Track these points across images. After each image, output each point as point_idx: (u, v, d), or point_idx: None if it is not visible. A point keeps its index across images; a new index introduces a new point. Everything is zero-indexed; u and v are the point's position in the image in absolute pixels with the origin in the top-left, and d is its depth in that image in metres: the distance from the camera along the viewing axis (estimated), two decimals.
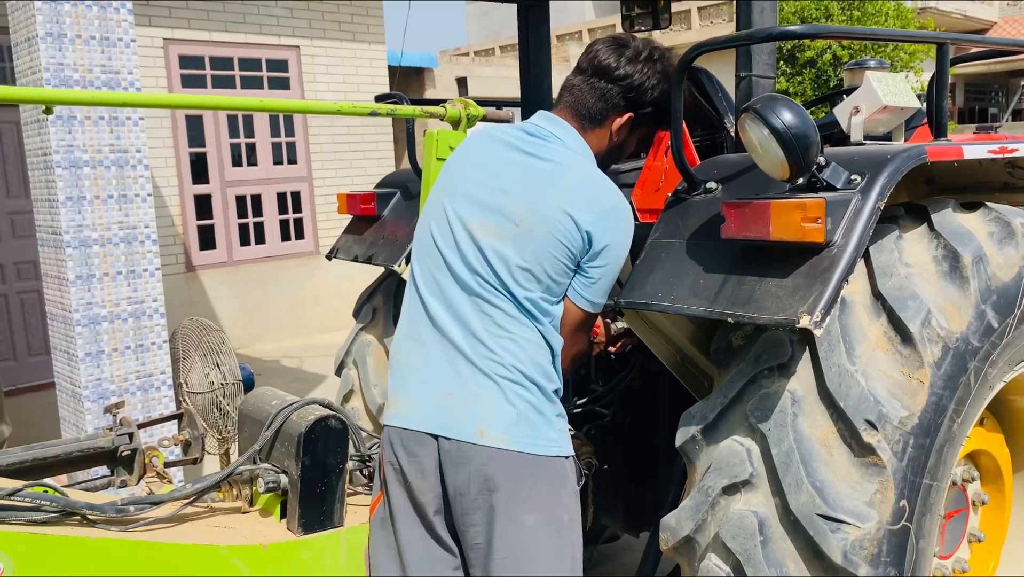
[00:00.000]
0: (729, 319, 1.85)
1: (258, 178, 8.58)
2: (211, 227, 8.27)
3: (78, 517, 1.88)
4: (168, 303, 4.67)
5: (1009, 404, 2.37)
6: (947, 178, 2.48)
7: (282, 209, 8.77)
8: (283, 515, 2.20)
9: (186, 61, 7.94)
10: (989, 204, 2.15)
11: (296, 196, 8.86)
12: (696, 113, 2.67)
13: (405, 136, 3.40)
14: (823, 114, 3.74)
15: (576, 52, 16.23)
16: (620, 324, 2.36)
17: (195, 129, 8.09)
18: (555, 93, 2.16)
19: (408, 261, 2.86)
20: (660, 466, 2.79)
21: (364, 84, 9.15)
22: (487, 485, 1.73)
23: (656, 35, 1.99)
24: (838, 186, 1.87)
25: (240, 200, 8.45)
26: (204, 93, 7.97)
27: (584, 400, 2.75)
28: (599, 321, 2.31)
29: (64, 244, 3.80)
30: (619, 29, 3.05)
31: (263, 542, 2.06)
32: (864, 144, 2.25)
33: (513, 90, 3.72)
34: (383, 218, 3.16)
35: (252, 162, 8.54)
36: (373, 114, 2.51)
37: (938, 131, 2.22)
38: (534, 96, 3.39)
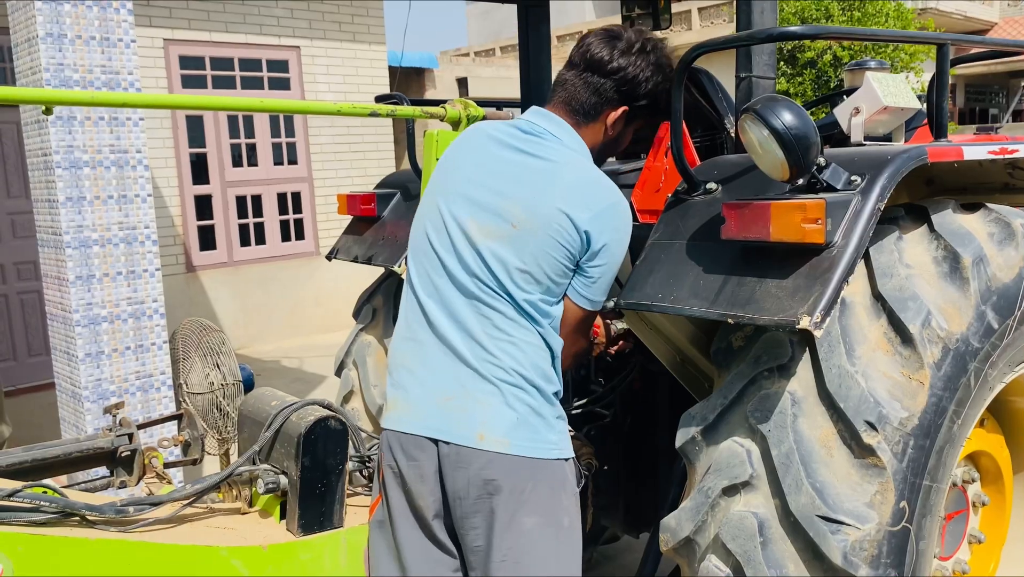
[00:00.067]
0: (729, 320, 1.85)
1: (258, 178, 8.58)
2: (211, 227, 8.27)
3: (77, 518, 1.88)
4: (168, 303, 4.67)
5: (1009, 405, 2.36)
6: (947, 179, 2.47)
7: (282, 209, 8.77)
8: (283, 516, 2.20)
9: (186, 61, 7.94)
10: (989, 205, 2.14)
11: (296, 196, 8.86)
12: (696, 114, 2.66)
13: (405, 137, 3.40)
14: (823, 115, 3.74)
15: None
16: (620, 324, 2.36)
17: (195, 129, 8.09)
18: None
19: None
20: (660, 467, 2.79)
21: (364, 85, 9.15)
22: (487, 489, 1.72)
23: (657, 35, 1.99)
24: (838, 187, 1.87)
25: (240, 200, 8.45)
26: (204, 94, 7.97)
27: (584, 401, 2.74)
28: (599, 322, 2.31)
29: (64, 244, 3.80)
30: None
31: (263, 543, 2.06)
32: (864, 145, 2.25)
33: (513, 91, 3.71)
34: (383, 219, 3.16)
35: (252, 162, 8.54)
36: (373, 115, 2.51)
37: (938, 132, 2.22)
38: (534, 96, 3.38)
